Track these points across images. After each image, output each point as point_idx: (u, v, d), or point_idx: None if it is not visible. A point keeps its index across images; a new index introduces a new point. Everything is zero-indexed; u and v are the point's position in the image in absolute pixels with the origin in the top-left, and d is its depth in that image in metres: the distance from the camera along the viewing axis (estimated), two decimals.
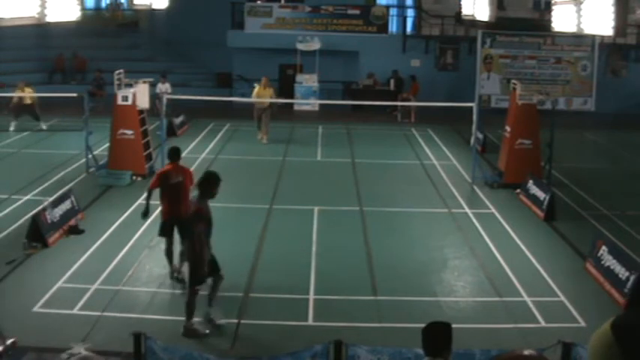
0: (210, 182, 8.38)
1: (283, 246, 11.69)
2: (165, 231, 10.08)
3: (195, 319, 8.46)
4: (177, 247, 10.03)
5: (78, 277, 10.00)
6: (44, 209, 11.48)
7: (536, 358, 3.40)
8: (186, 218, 8.86)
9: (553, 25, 25.42)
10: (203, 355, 6.88)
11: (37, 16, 22.56)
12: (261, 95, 19.70)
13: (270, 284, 9.98)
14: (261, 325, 8.79)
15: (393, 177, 16.64)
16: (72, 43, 28.09)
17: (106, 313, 8.82)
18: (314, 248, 11.48)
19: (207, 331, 8.45)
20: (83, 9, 31.09)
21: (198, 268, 8.23)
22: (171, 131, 19.60)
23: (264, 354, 7.40)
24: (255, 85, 20.54)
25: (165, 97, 17.40)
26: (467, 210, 13.93)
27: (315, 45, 25.88)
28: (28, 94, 20.57)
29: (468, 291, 10.16)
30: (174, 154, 10.44)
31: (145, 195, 10.49)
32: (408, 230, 12.88)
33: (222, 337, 8.35)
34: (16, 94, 20.59)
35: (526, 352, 3.41)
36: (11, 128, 20.27)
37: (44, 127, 20.75)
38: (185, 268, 9.11)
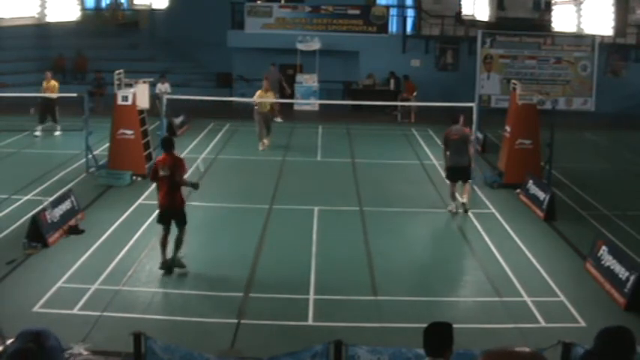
0: None
1: (283, 246, 11.68)
2: (162, 219, 10.29)
3: None
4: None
5: (78, 277, 9.99)
6: (44, 209, 11.48)
7: (529, 355, 3.38)
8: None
9: (553, 25, 25.38)
10: (203, 355, 6.87)
11: (37, 16, 22.51)
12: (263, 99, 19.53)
13: (270, 284, 9.97)
14: (261, 325, 8.78)
15: (393, 177, 16.63)
16: (72, 43, 28.05)
17: (106, 313, 8.81)
18: (314, 248, 11.47)
19: None
20: (83, 9, 30.99)
21: None
22: (171, 131, 19.58)
23: (264, 354, 7.38)
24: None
25: (165, 97, 17.40)
26: None
27: (315, 45, 25.87)
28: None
29: (468, 291, 10.16)
30: (165, 144, 10.46)
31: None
32: (408, 230, 12.88)
33: (222, 337, 8.34)
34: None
35: (518, 349, 3.41)
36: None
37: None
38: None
